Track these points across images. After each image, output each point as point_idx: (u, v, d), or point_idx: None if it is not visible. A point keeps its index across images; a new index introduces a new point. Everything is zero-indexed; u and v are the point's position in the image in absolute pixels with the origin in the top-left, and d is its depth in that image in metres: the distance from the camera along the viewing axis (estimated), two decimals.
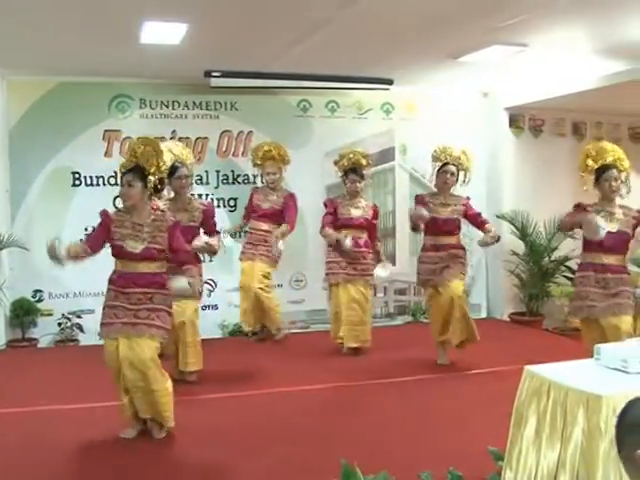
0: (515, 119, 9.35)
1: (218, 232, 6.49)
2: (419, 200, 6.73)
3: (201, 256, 6.32)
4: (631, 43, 6.30)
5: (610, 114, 9.55)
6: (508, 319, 9.20)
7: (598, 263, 5.24)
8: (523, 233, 8.93)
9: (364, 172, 7.18)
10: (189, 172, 6.21)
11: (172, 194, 6.17)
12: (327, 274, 7.30)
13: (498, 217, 8.79)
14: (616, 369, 3.21)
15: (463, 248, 6.79)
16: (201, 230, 6.16)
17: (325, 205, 7.33)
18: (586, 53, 6.76)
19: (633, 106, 8.97)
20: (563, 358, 3.57)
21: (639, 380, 3.08)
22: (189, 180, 6.23)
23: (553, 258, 8.94)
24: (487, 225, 6.69)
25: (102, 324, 4.72)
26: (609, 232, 5.15)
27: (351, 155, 7.12)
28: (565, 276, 8.97)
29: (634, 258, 6.77)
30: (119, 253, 4.68)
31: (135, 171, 4.58)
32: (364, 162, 7.16)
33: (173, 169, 5.94)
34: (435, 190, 6.82)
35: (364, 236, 7.18)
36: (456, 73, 7.86)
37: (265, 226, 7.38)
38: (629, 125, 9.83)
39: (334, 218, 7.14)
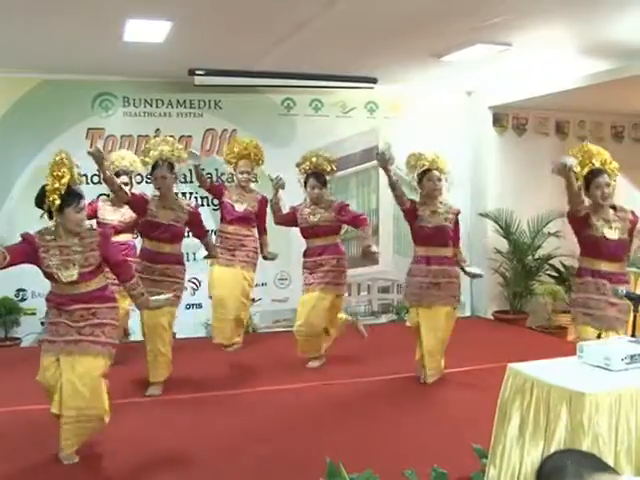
0: (499, 118, 9.39)
1: (207, 231, 6.40)
2: (411, 207, 6.13)
3: (185, 255, 6.27)
4: (614, 42, 6.34)
5: (593, 113, 9.61)
6: (492, 317, 9.24)
7: (597, 270, 5.08)
8: (507, 231, 8.97)
9: (327, 178, 6.69)
10: (174, 171, 5.93)
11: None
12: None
13: (482, 215, 8.83)
14: (599, 367, 3.23)
15: (457, 263, 6.31)
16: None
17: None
18: (569, 52, 6.80)
19: (616, 105, 9.05)
20: (547, 356, 3.59)
21: (621, 377, 3.10)
22: (167, 181, 5.87)
23: (537, 256, 8.99)
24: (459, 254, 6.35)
25: (43, 340, 4.51)
26: (609, 239, 5.01)
27: (314, 158, 6.63)
28: (549, 274, 9.03)
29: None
30: (53, 281, 4.43)
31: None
32: (327, 168, 6.67)
33: (153, 167, 5.84)
34: (422, 198, 6.25)
35: (328, 242, 6.65)
36: (440, 72, 7.87)
37: (242, 230, 6.92)
38: (612, 124, 9.90)
39: (291, 218, 6.75)
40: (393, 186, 5.97)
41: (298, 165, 6.71)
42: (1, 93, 7.68)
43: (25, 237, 4.38)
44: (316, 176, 6.60)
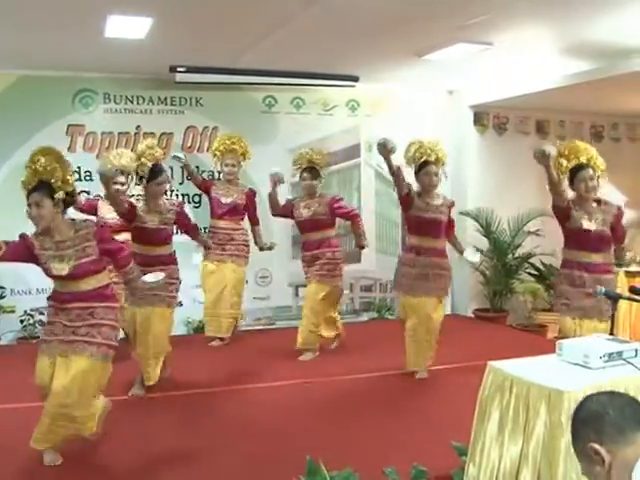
0: (480, 117, 9.43)
1: (196, 226, 6.40)
2: (408, 195, 6.12)
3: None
4: (594, 43, 6.38)
5: (573, 113, 9.67)
6: (472, 315, 9.28)
7: (579, 261, 5.22)
8: (487, 230, 9.01)
9: (320, 171, 6.95)
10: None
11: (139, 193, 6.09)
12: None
13: (462, 214, 8.84)
14: (578, 364, 3.25)
15: (447, 257, 6.32)
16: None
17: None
18: (550, 52, 6.84)
19: (596, 105, 9.11)
20: (526, 354, 3.62)
21: (600, 375, 3.12)
22: (167, 185, 6.00)
23: (517, 255, 9.03)
24: (457, 244, 6.46)
25: (39, 341, 4.46)
26: (587, 230, 5.15)
27: (307, 154, 6.95)
28: (529, 273, 9.08)
29: None
30: (50, 276, 4.34)
31: (41, 189, 4.19)
32: (319, 161, 6.94)
33: (154, 173, 5.68)
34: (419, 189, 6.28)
35: (323, 236, 6.87)
36: (421, 71, 7.89)
37: (231, 224, 7.26)
38: (591, 124, 9.96)
39: (288, 209, 7.02)
40: (395, 173, 5.94)
41: (294, 162, 7.05)
42: None
43: (22, 237, 4.31)
44: (309, 169, 6.91)
